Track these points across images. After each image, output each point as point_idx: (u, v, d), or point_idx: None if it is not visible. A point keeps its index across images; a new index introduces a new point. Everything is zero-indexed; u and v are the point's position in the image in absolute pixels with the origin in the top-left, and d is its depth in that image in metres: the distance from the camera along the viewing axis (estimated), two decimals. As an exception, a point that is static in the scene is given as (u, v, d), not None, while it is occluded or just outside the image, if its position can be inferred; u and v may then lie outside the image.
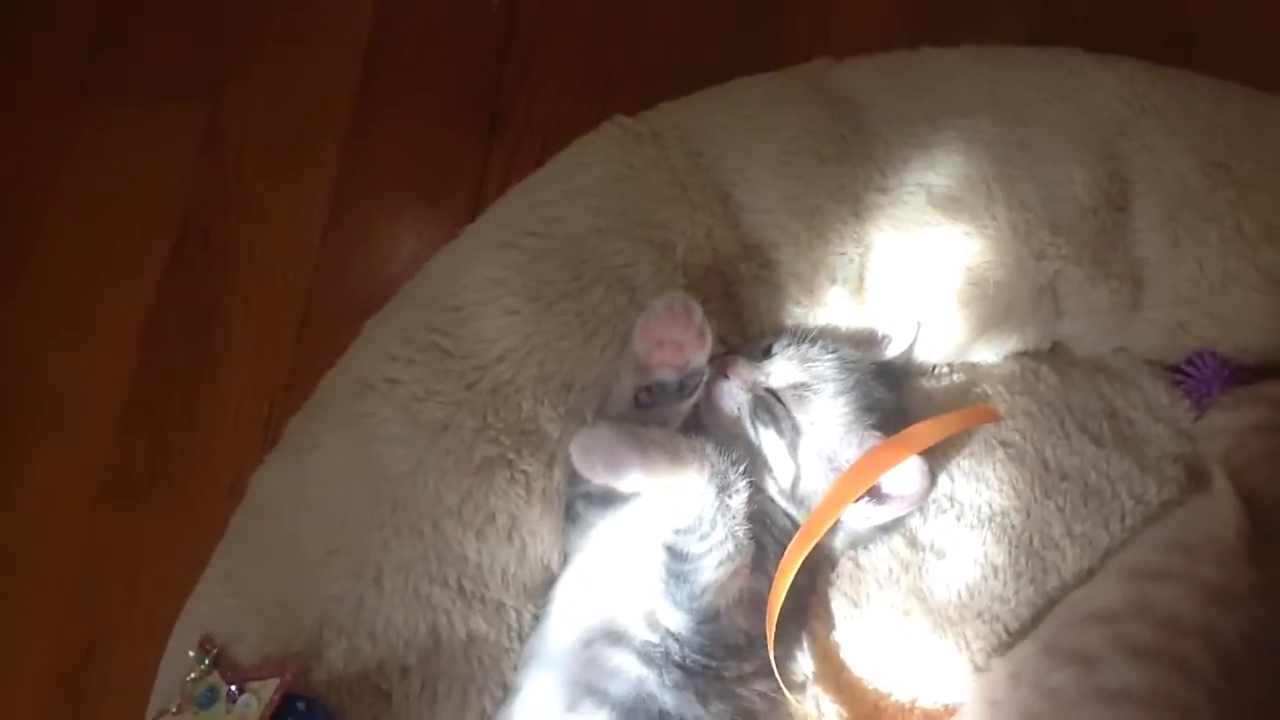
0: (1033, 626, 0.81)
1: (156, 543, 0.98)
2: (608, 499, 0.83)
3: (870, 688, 0.83)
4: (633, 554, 0.81)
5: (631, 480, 0.77)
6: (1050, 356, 0.92)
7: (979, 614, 0.82)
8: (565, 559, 0.85)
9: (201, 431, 1.02)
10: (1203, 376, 0.89)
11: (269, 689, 0.73)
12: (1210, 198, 0.87)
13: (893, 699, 0.83)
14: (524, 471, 0.82)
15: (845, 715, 0.82)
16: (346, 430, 0.83)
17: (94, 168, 1.12)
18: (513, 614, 0.83)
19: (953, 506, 0.85)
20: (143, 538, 0.99)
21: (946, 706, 0.82)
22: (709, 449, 0.79)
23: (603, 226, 0.87)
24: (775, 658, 0.78)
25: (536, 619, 0.84)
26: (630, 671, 0.77)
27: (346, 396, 0.84)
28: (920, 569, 0.84)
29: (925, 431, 0.83)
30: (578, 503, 0.84)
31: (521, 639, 0.83)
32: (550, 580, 0.85)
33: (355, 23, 1.17)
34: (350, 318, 1.02)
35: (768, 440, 0.83)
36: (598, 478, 0.78)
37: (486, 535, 0.81)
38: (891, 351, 0.90)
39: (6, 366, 1.04)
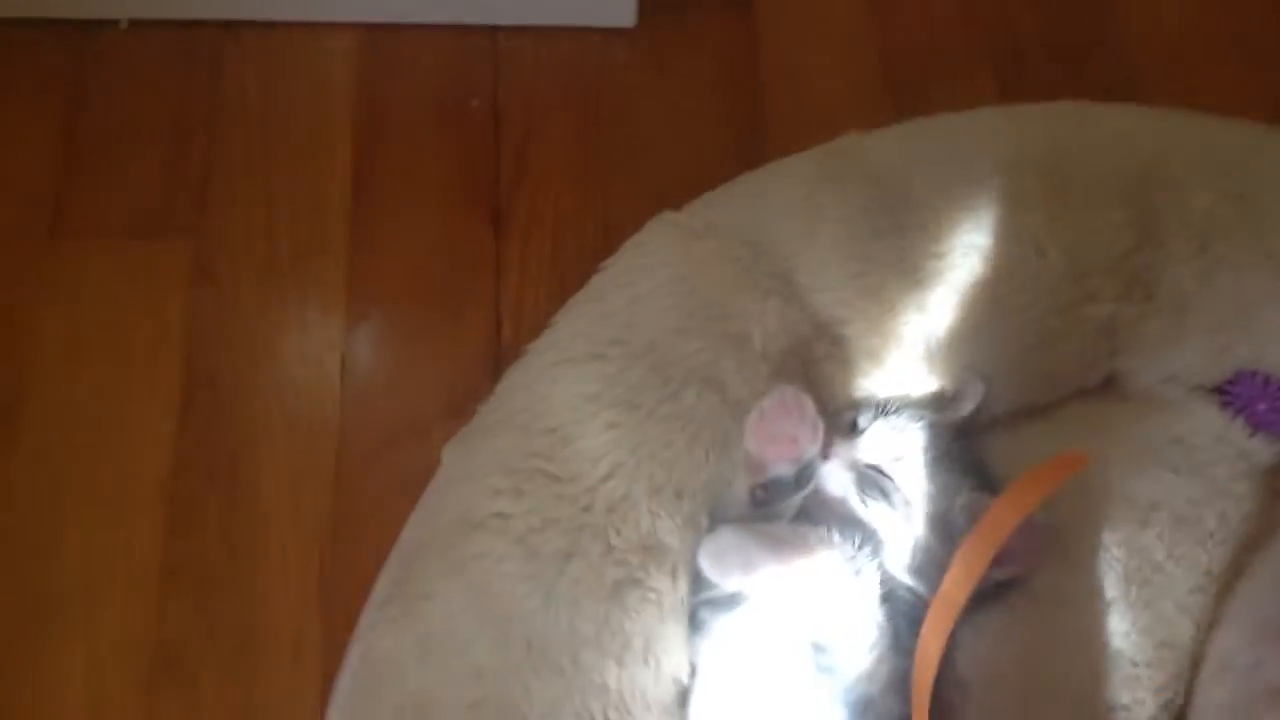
0: (1154, 652, 0.83)
1: (224, 715, 0.91)
2: (733, 603, 0.81)
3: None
4: (773, 654, 0.80)
5: (767, 579, 0.77)
6: (1109, 394, 0.95)
7: (1103, 650, 0.84)
8: (692, 669, 0.84)
9: (250, 592, 0.96)
10: (1245, 394, 0.94)
11: None
12: (1236, 227, 0.92)
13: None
14: (655, 589, 0.80)
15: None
16: (460, 574, 0.79)
17: (75, 315, 1.04)
18: (657, 736, 0.80)
19: (1058, 553, 0.87)
20: (204, 713, 0.92)
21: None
22: (835, 536, 0.79)
23: (681, 326, 0.86)
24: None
25: (678, 737, 0.82)
26: (801, 776, 0.76)
27: (452, 537, 0.80)
28: (1040, 619, 0.85)
29: (1031, 486, 0.84)
30: (701, 610, 0.83)
31: (669, 761, 0.81)
32: (679, 694, 0.83)
33: (334, 133, 1.13)
34: (388, 445, 0.99)
35: (880, 515, 0.83)
36: (733, 582, 0.78)
37: (625, 661, 0.79)
38: (966, 409, 0.92)
39: (24, 553, 0.95)
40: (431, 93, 1.17)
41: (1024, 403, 0.94)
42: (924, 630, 0.80)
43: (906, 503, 0.84)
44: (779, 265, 0.90)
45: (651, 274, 0.88)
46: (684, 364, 0.85)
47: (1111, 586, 0.85)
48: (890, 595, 0.82)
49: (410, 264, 1.08)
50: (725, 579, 0.77)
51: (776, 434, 0.81)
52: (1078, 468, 0.88)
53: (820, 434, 0.81)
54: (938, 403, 0.92)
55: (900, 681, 0.79)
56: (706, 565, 0.78)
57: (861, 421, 0.88)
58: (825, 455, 0.85)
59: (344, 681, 0.80)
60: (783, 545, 0.77)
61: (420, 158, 1.13)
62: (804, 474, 0.81)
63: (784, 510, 0.83)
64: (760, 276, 0.89)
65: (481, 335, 1.04)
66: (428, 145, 1.14)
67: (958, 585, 0.80)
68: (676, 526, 0.81)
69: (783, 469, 0.81)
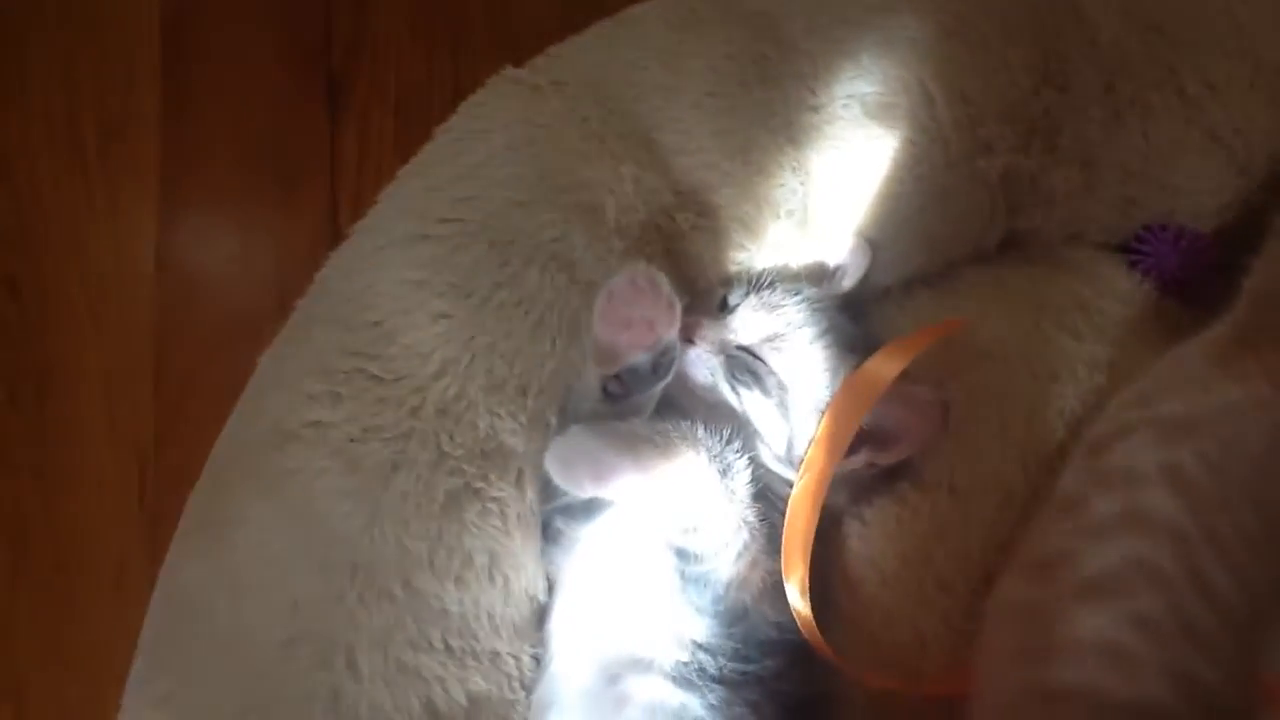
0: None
1: (38, 656, 0.82)
2: (590, 509, 0.73)
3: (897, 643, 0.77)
4: (634, 565, 0.72)
5: (624, 485, 0.68)
6: (1008, 257, 0.86)
7: (999, 546, 0.76)
8: (550, 584, 0.75)
9: (63, 520, 0.85)
10: (1157, 252, 0.86)
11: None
12: (1147, 63, 0.82)
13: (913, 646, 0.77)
14: (496, 499, 0.71)
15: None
16: (274, 493, 0.69)
17: None
18: (510, 661, 0.72)
19: (951, 436, 0.79)
20: (18, 654, 0.82)
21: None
22: (700, 432, 0.70)
23: (522, 199, 0.75)
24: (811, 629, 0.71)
25: (536, 660, 0.73)
26: (669, 701, 0.68)
27: (263, 452, 0.70)
28: (932, 510, 0.77)
29: (905, 346, 0.75)
30: (556, 519, 0.74)
31: (525, 686, 0.73)
32: (538, 612, 0.75)
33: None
34: (214, 349, 0.88)
35: (753, 403, 0.75)
36: (585, 490, 0.68)
37: (466, 581, 0.70)
38: (850, 281, 0.83)
39: None
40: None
41: (916, 270, 0.85)
42: (791, 503, 0.71)
43: (782, 387, 0.75)
44: (636, 125, 0.79)
45: (488, 140, 0.77)
46: (526, 242, 0.75)
47: (1012, 471, 0.77)
48: (764, 492, 0.73)
49: (233, 145, 0.96)
50: (575, 487, 0.68)
51: (628, 318, 0.71)
52: (955, 329, 0.80)
53: (678, 315, 0.71)
54: (819, 274, 0.84)
55: (776, 587, 0.72)
56: (554, 473, 0.69)
57: (732, 299, 0.79)
58: (688, 339, 0.75)
59: (150, 621, 0.70)
60: (639, 446, 0.68)
61: (242, 19, 0.99)
62: (662, 361, 0.72)
63: (642, 403, 0.74)
64: (614, 138, 0.78)
65: (316, 223, 0.93)
66: (249, 3, 1.00)
67: (825, 452, 0.72)
68: (520, 427, 0.72)
69: (638, 357, 0.71)
